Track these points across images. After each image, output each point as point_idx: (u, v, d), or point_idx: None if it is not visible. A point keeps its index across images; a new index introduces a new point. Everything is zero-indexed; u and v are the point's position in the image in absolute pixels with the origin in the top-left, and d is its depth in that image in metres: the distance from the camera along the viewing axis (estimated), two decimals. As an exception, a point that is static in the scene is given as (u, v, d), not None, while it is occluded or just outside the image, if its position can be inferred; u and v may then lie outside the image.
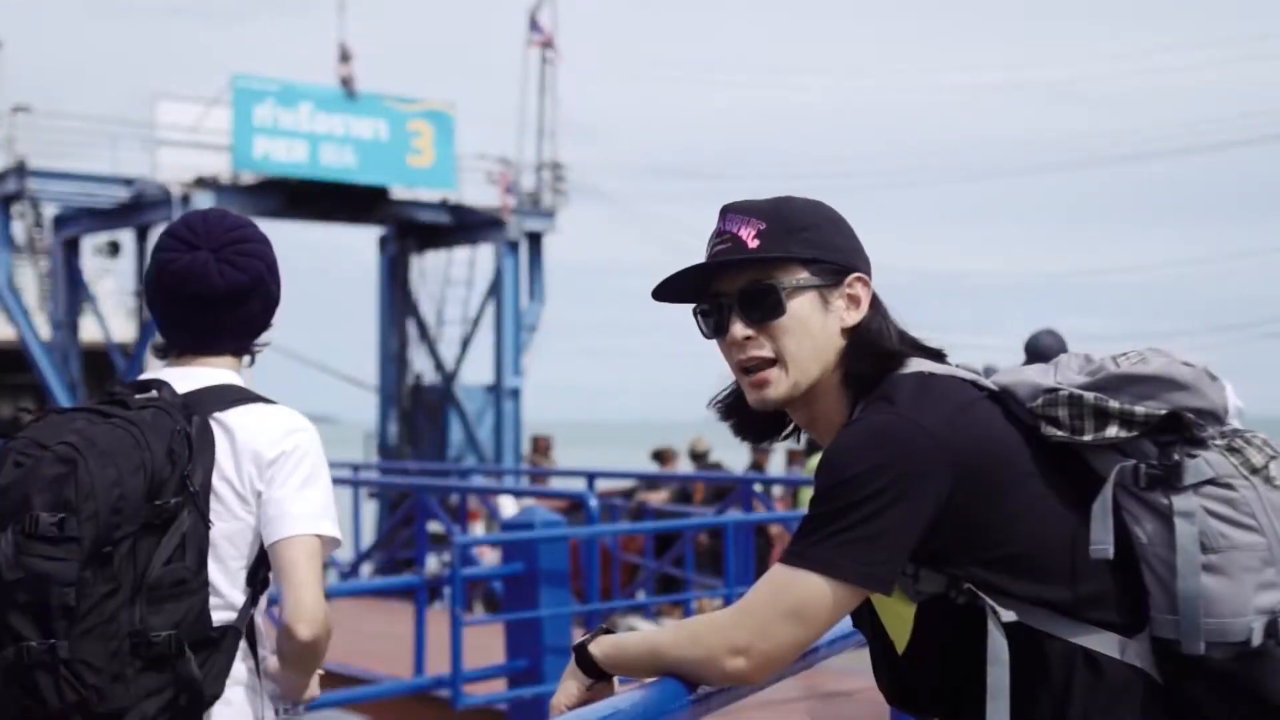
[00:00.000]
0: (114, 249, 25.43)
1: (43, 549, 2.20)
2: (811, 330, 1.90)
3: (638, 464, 16.48)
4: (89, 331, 22.34)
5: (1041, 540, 1.79)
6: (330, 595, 2.80)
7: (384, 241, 23.53)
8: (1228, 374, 1.89)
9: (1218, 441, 1.79)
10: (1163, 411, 1.78)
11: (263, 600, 2.48)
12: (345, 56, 21.37)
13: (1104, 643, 1.77)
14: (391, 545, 13.61)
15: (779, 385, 1.91)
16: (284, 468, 2.44)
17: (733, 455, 15.60)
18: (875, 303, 1.94)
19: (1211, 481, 1.75)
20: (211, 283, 2.48)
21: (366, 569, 13.81)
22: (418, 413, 23.36)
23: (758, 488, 10.76)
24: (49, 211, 22.53)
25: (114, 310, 24.44)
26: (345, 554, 11.78)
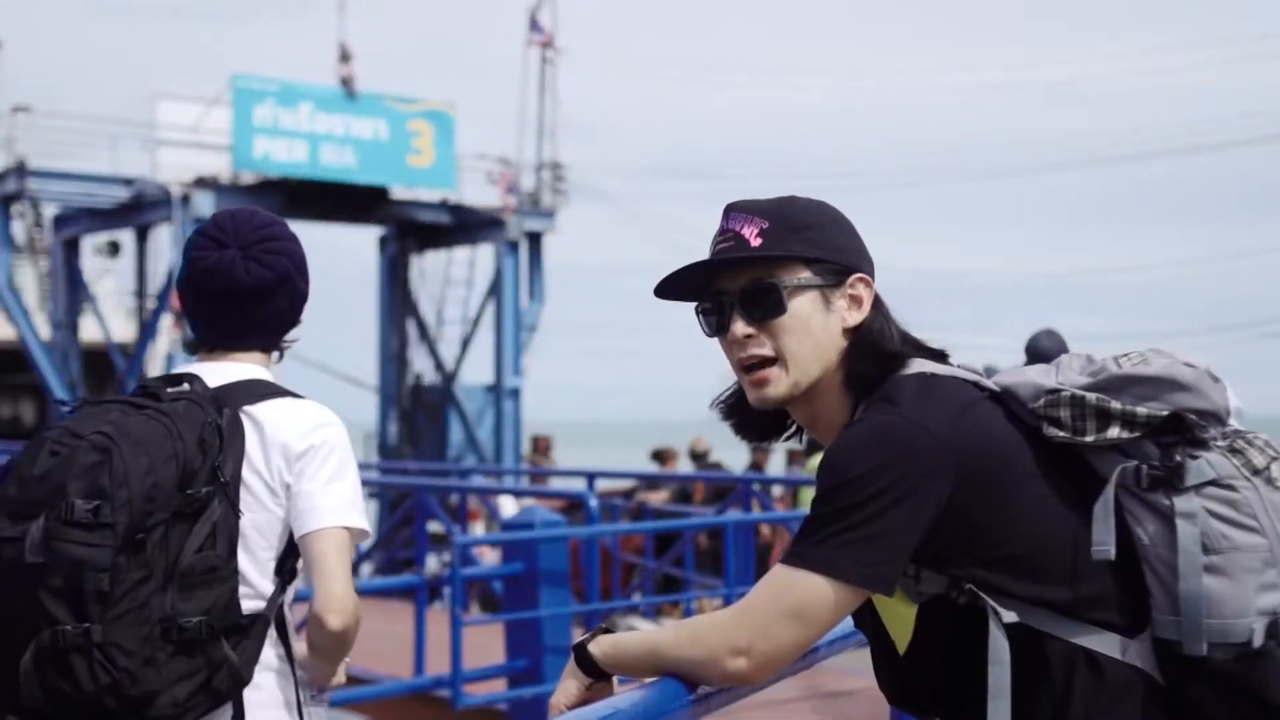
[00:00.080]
0: (114, 249, 25.43)
1: (78, 535, 2.25)
2: (813, 330, 1.90)
3: (638, 464, 16.48)
4: (89, 331, 22.34)
5: (1043, 541, 1.79)
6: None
7: (384, 241, 23.54)
8: (1228, 374, 1.88)
9: (1220, 443, 1.79)
10: (1165, 412, 1.78)
11: (290, 590, 2.54)
12: (345, 56, 21.38)
13: (1105, 643, 1.77)
14: (391, 545, 13.62)
15: (779, 384, 1.91)
16: (313, 461, 2.50)
17: (733, 455, 15.59)
18: (877, 303, 1.94)
19: (1213, 483, 1.75)
20: (239, 280, 2.54)
21: (366, 569, 13.81)
22: (418, 413, 23.37)
23: (757, 487, 10.75)
24: (49, 211, 22.53)
25: (114, 310, 24.44)
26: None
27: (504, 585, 7.96)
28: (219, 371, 2.55)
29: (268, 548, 2.48)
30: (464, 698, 7.06)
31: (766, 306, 1.90)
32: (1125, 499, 1.78)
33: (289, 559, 2.51)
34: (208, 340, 2.62)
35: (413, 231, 23.19)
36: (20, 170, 19.81)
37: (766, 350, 1.91)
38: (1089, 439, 1.80)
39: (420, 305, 23.88)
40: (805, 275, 1.90)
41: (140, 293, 22.69)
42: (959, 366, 1.94)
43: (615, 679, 1.86)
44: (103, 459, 2.29)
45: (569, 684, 1.84)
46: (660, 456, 15.04)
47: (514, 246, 22.65)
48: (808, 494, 8.78)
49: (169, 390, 2.44)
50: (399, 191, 22.10)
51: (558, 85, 23.60)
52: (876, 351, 1.90)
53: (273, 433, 2.49)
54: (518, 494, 13.22)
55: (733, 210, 1.94)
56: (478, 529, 14.23)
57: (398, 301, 23.62)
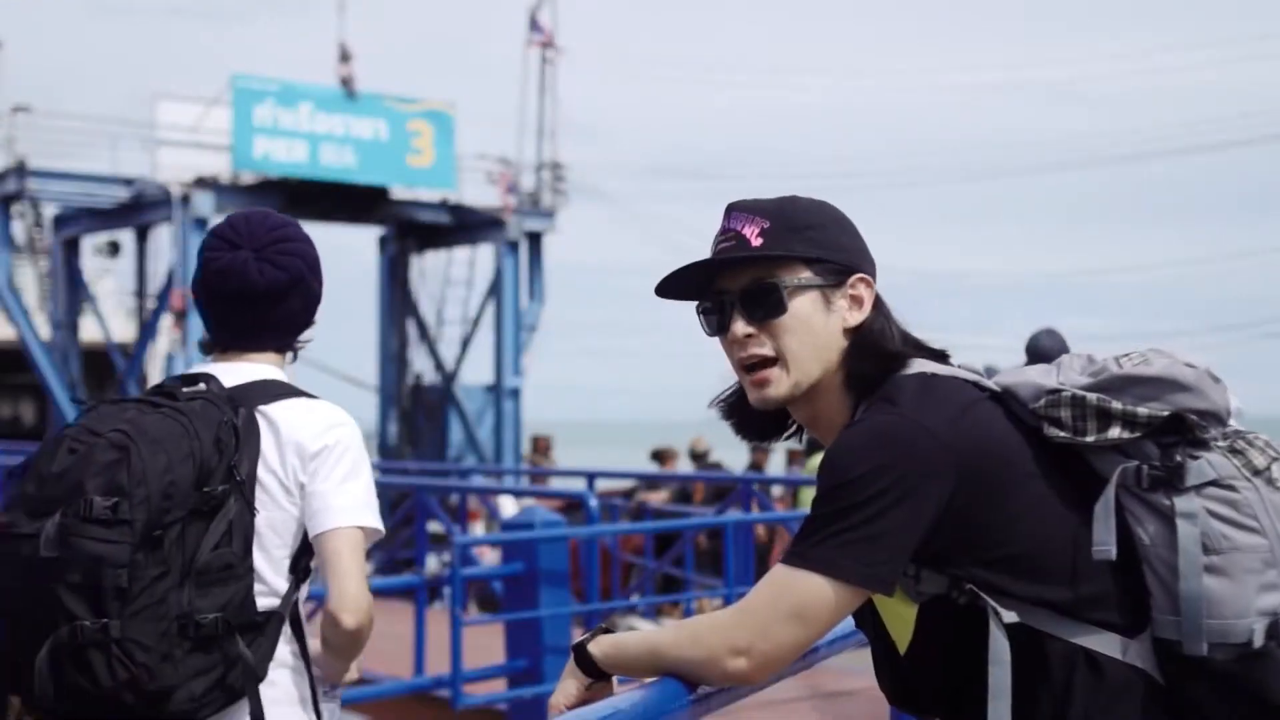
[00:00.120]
0: (114, 249, 25.43)
1: (96, 531, 2.27)
2: (813, 329, 1.90)
3: (638, 464, 16.48)
4: (89, 331, 22.33)
5: (1043, 541, 1.79)
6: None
7: (384, 241, 23.54)
8: (1228, 374, 1.88)
9: (1220, 443, 1.79)
10: (1165, 413, 1.78)
11: (304, 588, 2.56)
12: (345, 56, 21.38)
13: (1105, 643, 1.77)
14: (391, 545, 13.61)
15: (780, 384, 1.91)
16: (327, 461, 2.52)
17: (733, 455, 15.59)
18: (879, 303, 1.94)
19: (1214, 483, 1.75)
20: (252, 281, 2.56)
21: (367, 569, 13.78)
22: (418, 413, 23.37)
23: (757, 487, 10.75)
24: (49, 211, 22.53)
25: (114, 310, 24.43)
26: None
27: (504, 585, 7.96)
28: (234, 372, 2.57)
29: (282, 546, 2.50)
30: (464, 698, 7.06)
31: (767, 306, 1.89)
32: (1126, 499, 1.78)
33: (303, 557, 2.53)
34: (221, 341, 2.64)
35: (413, 231, 23.19)
36: (20, 170, 19.81)
37: (767, 350, 1.90)
38: (1090, 439, 1.80)
39: (420, 305, 23.89)
40: (806, 275, 1.90)
41: (140, 293, 22.70)
42: (959, 367, 1.94)
43: (615, 679, 1.86)
44: (121, 457, 2.30)
45: (569, 684, 1.84)
46: (660, 456, 15.04)
47: (514, 246, 22.65)
48: (808, 494, 8.78)
49: (185, 390, 2.46)
50: (399, 191, 22.10)
51: (558, 85, 23.62)
52: (877, 352, 1.90)
53: (288, 432, 2.51)
54: (518, 494, 13.22)
55: (734, 210, 1.94)
56: (478, 529, 14.23)
57: (398, 301, 23.62)
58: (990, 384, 1.90)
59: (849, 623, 2.03)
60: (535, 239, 22.95)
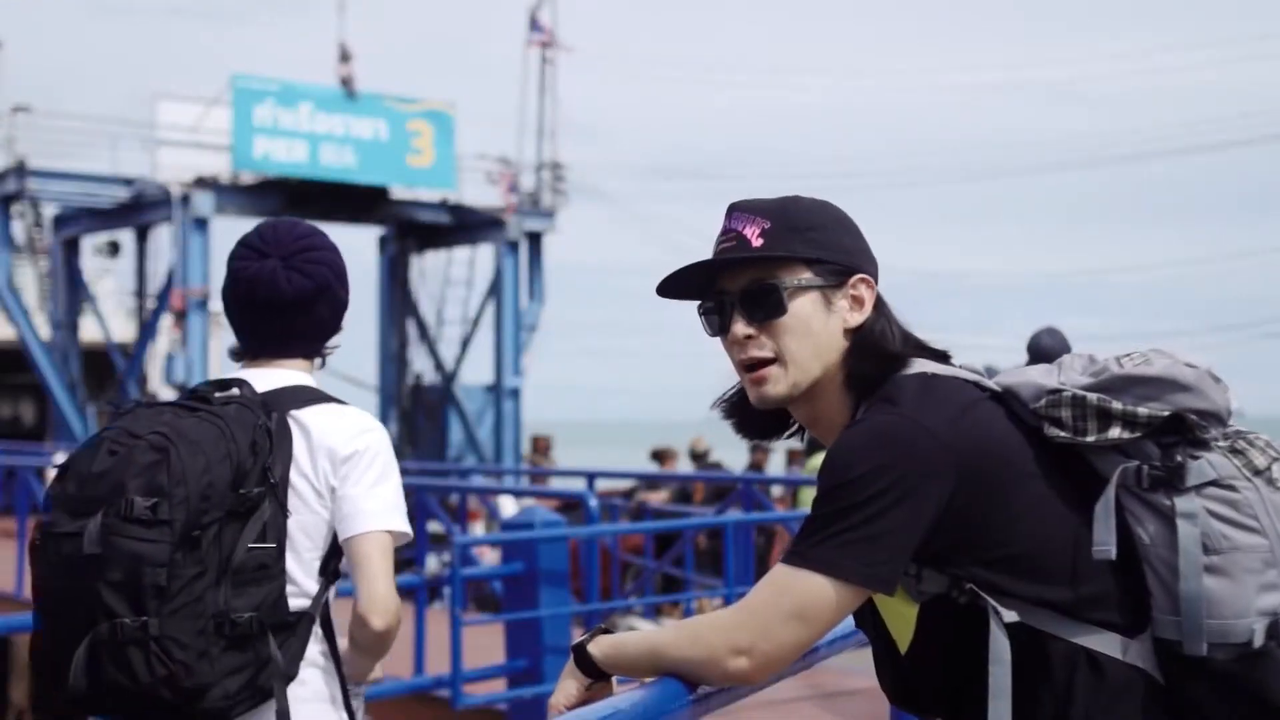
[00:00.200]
0: (114, 249, 25.44)
1: (137, 531, 2.31)
2: (813, 330, 1.89)
3: (638, 464, 16.49)
4: (89, 331, 22.34)
5: (1043, 541, 1.79)
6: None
7: (384, 241, 23.54)
8: (1228, 374, 1.88)
9: (1220, 443, 1.79)
10: (1166, 413, 1.78)
11: (332, 589, 2.60)
12: (345, 56, 21.38)
13: (1106, 643, 1.77)
14: (391, 545, 13.57)
15: (778, 383, 1.91)
16: (357, 466, 2.58)
17: (733, 455, 15.60)
18: (880, 304, 1.94)
19: (1214, 483, 1.75)
20: (280, 289, 2.62)
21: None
22: (417, 413, 23.38)
23: (757, 487, 10.75)
24: (49, 211, 22.54)
25: (114, 310, 24.45)
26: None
27: (504, 585, 7.96)
28: (265, 377, 2.62)
29: (313, 548, 2.55)
30: (464, 698, 7.05)
31: (768, 307, 1.89)
32: (1126, 499, 1.78)
33: (333, 559, 2.58)
34: (251, 348, 2.70)
35: (413, 231, 23.19)
36: (20, 170, 19.81)
37: (766, 352, 1.90)
38: (1090, 439, 1.80)
39: (420, 305, 23.89)
40: (806, 276, 1.90)
41: (140, 293, 22.71)
42: (960, 367, 1.93)
43: (614, 679, 1.86)
44: (161, 458, 2.35)
45: (568, 684, 1.84)
46: (660, 456, 15.04)
47: (514, 246, 22.65)
48: (808, 494, 8.78)
49: (218, 395, 2.51)
50: (399, 191, 22.10)
51: (558, 85, 23.64)
52: (877, 352, 1.90)
53: (319, 437, 2.57)
54: (518, 494, 13.23)
55: (735, 210, 1.94)
56: (478, 529, 14.23)
57: (398, 301, 23.62)
58: (991, 384, 1.90)
59: (849, 622, 2.03)
60: (535, 239, 22.96)
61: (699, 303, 1.97)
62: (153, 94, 25.64)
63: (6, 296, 20.46)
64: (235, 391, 2.53)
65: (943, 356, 1.94)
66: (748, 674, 1.76)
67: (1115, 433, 1.79)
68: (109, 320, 22.69)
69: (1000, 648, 1.75)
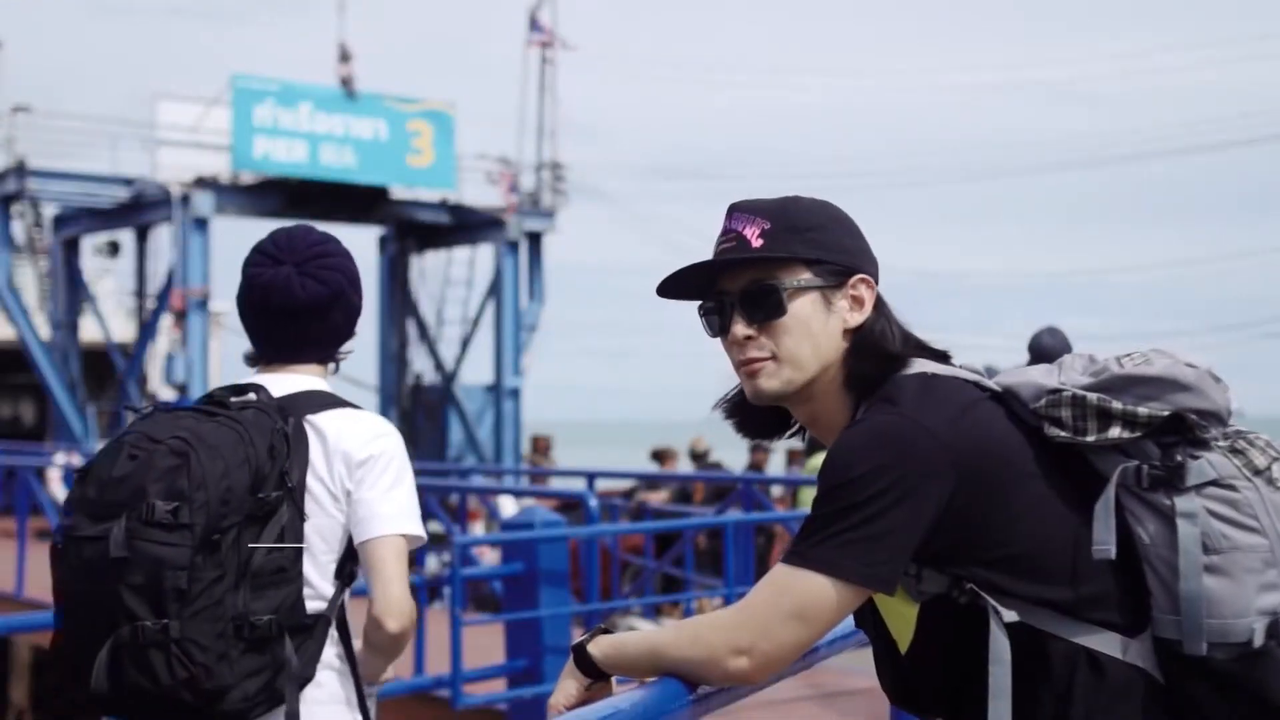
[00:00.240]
0: (114, 249, 25.44)
1: (158, 535, 2.34)
2: (812, 331, 1.89)
3: (638, 464, 16.48)
4: (89, 331, 22.34)
5: (1043, 540, 1.79)
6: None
7: (384, 241, 23.54)
8: (1228, 374, 1.88)
9: (1221, 443, 1.79)
10: (1165, 413, 1.78)
11: (347, 592, 2.63)
12: (345, 56, 21.38)
13: (1106, 643, 1.77)
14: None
15: (772, 379, 1.90)
16: (373, 470, 2.61)
17: (733, 455, 15.60)
18: (880, 304, 1.94)
19: (1214, 483, 1.75)
20: (294, 295, 2.64)
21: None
22: (417, 413, 23.38)
23: (757, 487, 10.75)
24: (49, 211, 22.54)
25: (114, 310, 24.45)
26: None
27: (504, 585, 7.95)
28: (280, 383, 2.65)
29: (328, 551, 2.58)
30: (464, 698, 7.05)
31: (767, 308, 1.89)
32: (1126, 499, 1.78)
33: (348, 562, 2.61)
34: (266, 354, 2.73)
35: (413, 231, 23.19)
36: (20, 170, 19.81)
37: (765, 353, 1.90)
38: (1090, 439, 1.80)
39: (420, 305, 23.89)
40: (806, 276, 1.90)
41: (140, 293, 22.70)
42: (960, 367, 1.93)
43: (613, 679, 1.86)
44: (181, 463, 2.38)
45: (568, 684, 1.84)
46: (660, 456, 15.04)
47: (514, 246, 22.65)
48: (808, 494, 8.78)
49: (234, 400, 2.54)
50: (399, 191, 22.10)
51: (558, 85, 23.63)
52: (877, 352, 1.90)
53: (335, 441, 2.60)
54: (518, 494, 13.23)
55: (736, 210, 1.94)
56: (478, 529, 14.23)
57: (398, 301, 23.62)
58: (991, 384, 1.90)
59: (849, 622, 2.03)
60: (535, 239, 22.96)
61: (699, 303, 1.97)
62: (153, 94, 25.66)
63: (6, 296, 20.46)
64: (252, 396, 2.55)
65: (943, 356, 1.94)
66: (748, 674, 1.76)
67: (1115, 432, 1.79)
68: (109, 320, 22.69)
69: (1000, 647, 1.76)
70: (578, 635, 1.75)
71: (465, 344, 23.71)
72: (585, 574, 9.03)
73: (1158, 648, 1.78)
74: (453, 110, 22.28)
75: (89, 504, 2.40)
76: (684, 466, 15.29)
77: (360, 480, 2.59)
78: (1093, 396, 1.80)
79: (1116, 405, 1.79)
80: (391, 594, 2.57)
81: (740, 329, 1.91)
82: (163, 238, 21.73)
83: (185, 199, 19.95)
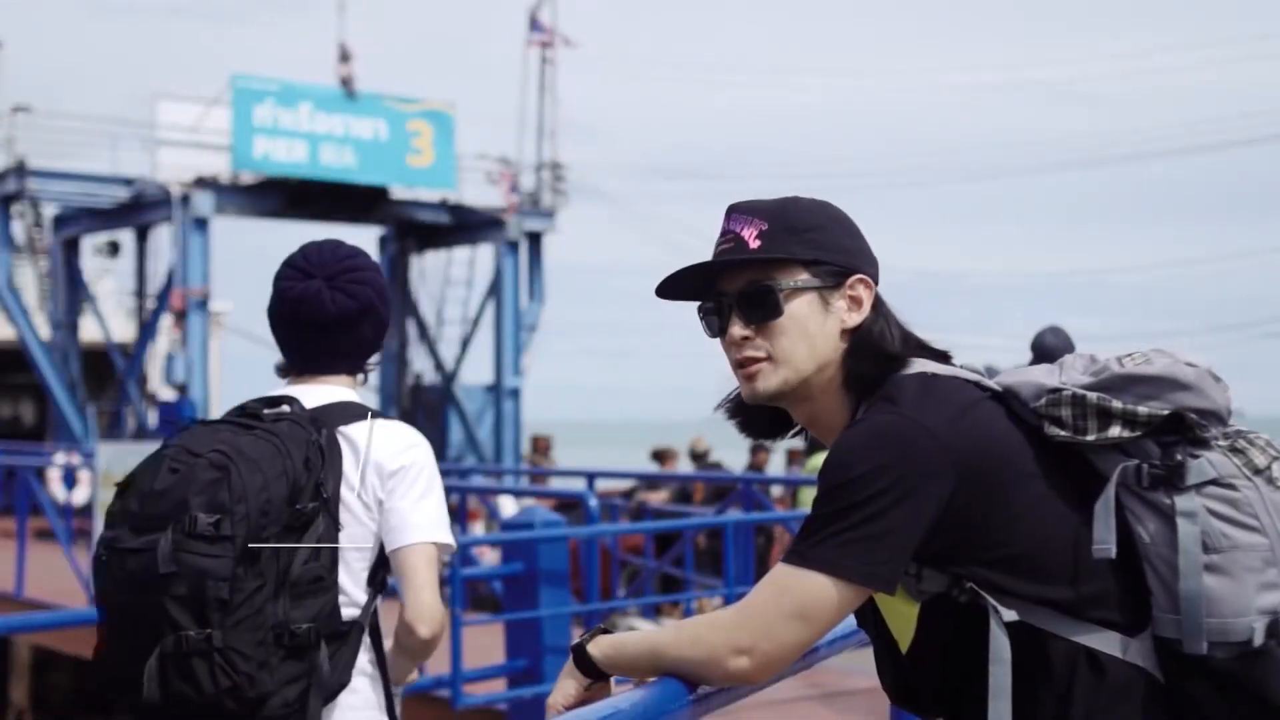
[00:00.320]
0: (114, 249, 25.43)
1: (201, 547, 2.38)
2: (809, 331, 1.90)
3: (638, 464, 16.49)
4: (89, 331, 22.35)
5: (1044, 540, 1.79)
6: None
7: (384, 241, 23.54)
8: (1228, 374, 1.88)
9: (1221, 442, 1.79)
10: (1165, 412, 1.78)
11: (379, 599, 2.68)
12: (345, 56, 21.38)
13: (1106, 642, 1.77)
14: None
15: (768, 378, 1.91)
16: (404, 480, 2.66)
17: (733, 455, 15.60)
18: (879, 304, 1.94)
19: (1214, 482, 1.75)
20: (325, 309, 2.69)
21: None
22: (417, 412, 23.37)
23: (757, 487, 10.75)
24: (49, 211, 22.54)
25: (114, 310, 24.45)
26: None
27: (504, 585, 7.96)
28: (311, 394, 2.69)
29: (361, 559, 2.63)
30: (464, 698, 7.05)
31: (764, 308, 1.89)
32: (1126, 498, 1.78)
33: (380, 570, 2.66)
34: (296, 365, 2.77)
35: (413, 231, 23.19)
36: (20, 170, 19.81)
37: (761, 353, 1.91)
38: (1090, 438, 1.80)
39: (420, 305, 23.89)
40: (804, 277, 1.90)
41: (140, 293, 22.70)
42: (960, 367, 1.93)
43: (612, 679, 1.86)
44: (221, 476, 2.43)
45: (567, 684, 1.84)
46: (660, 456, 15.04)
47: (514, 246, 22.65)
48: (808, 494, 8.78)
49: (267, 412, 2.57)
50: (399, 191, 22.10)
51: (558, 85, 23.63)
52: (875, 353, 1.90)
53: (367, 452, 2.65)
54: (518, 494, 13.23)
55: (734, 211, 1.94)
56: (478, 529, 14.23)
57: (398, 302, 23.60)
58: (991, 384, 1.90)
59: (850, 622, 2.03)
60: (535, 239, 22.96)
61: (698, 304, 1.97)
62: (153, 94, 25.66)
63: (6, 296, 20.46)
64: (285, 408, 2.59)
65: (943, 356, 1.94)
66: (748, 674, 1.77)
67: (1115, 431, 1.79)
68: (109, 320, 22.69)
69: (1000, 647, 1.76)
70: (577, 635, 1.75)
71: (465, 344, 23.72)
72: (585, 574, 9.04)
73: (1158, 647, 1.78)
74: (453, 110, 22.28)
75: (131, 516, 2.44)
76: (684, 466, 15.29)
77: (392, 490, 2.64)
78: (1093, 396, 1.80)
79: (1116, 404, 1.79)
80: (423, 600, 2.62)
81: (737, 329, 1.91)
82: (163, 238, 21.74)
83: (185, 199, 19.95)
